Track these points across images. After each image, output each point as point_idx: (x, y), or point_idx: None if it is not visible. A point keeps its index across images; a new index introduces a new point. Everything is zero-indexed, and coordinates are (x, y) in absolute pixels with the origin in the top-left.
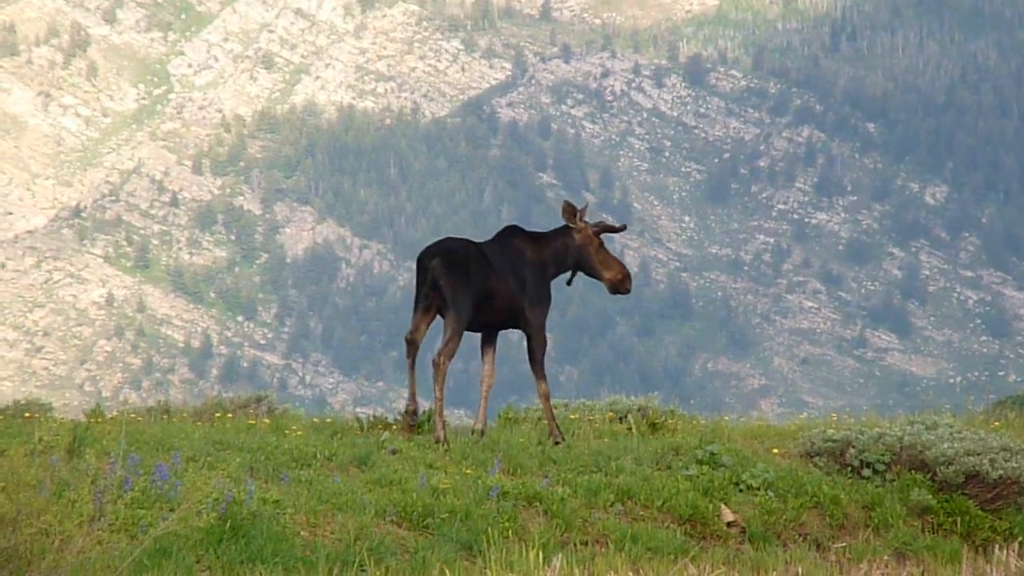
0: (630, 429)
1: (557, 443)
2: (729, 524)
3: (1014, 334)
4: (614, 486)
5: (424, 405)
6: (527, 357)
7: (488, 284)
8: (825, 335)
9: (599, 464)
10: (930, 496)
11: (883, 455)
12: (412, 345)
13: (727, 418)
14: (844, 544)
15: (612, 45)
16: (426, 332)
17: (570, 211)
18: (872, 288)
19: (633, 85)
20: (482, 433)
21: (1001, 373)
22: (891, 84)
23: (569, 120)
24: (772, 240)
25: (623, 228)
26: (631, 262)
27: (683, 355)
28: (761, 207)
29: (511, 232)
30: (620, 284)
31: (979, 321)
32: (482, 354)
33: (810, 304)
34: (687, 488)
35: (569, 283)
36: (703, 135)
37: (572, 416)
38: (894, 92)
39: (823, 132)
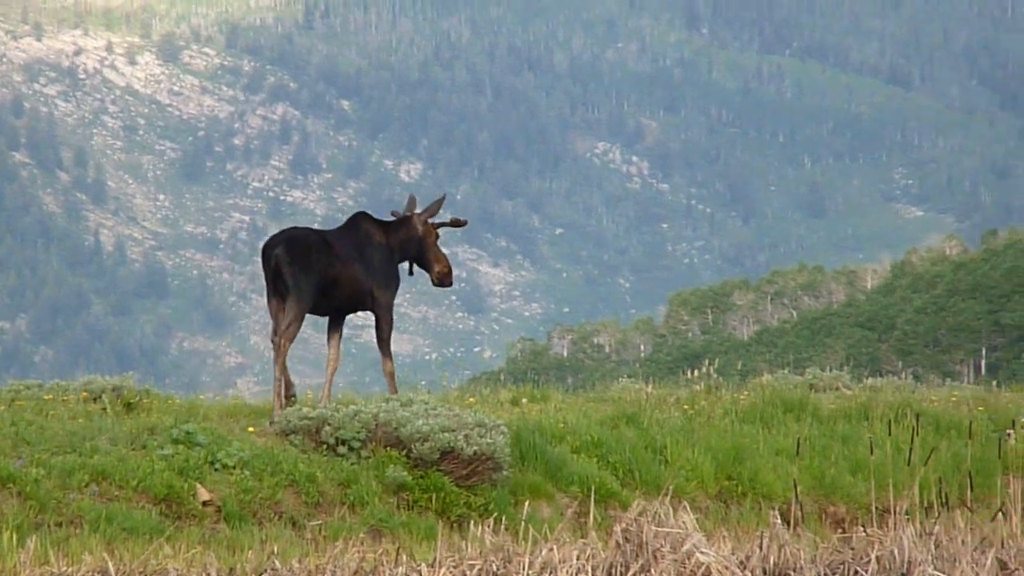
0: (105, 409)
1: None
2: (205, 503)
3: (489, 310)
4: (89, 467)
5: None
6: (375, 336)
7: (331, 271)
8: None
9: (74, 445)
10: (405, 473)
11: (358, 432)
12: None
13: (203, 397)
14: (320, 522)
15: (85, 23)
16: None
17: (413, 204)
18: None
19: (106, 63)
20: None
21: (476, 349)
22: (365, 61)
23: (42, 98)
24: (248, 218)
25: (464, 223)
26: (106, 241)
27: (159, 334)
28: (236, 185)
29: (360, 218)
30: (445, 277)
31: (454, 298)
32: (328, 339)
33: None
34: (163, 468)
35: (411, 273)
36: (177, 113)
37: (46, 397)
38: (368, 69)
39: (298, 110)
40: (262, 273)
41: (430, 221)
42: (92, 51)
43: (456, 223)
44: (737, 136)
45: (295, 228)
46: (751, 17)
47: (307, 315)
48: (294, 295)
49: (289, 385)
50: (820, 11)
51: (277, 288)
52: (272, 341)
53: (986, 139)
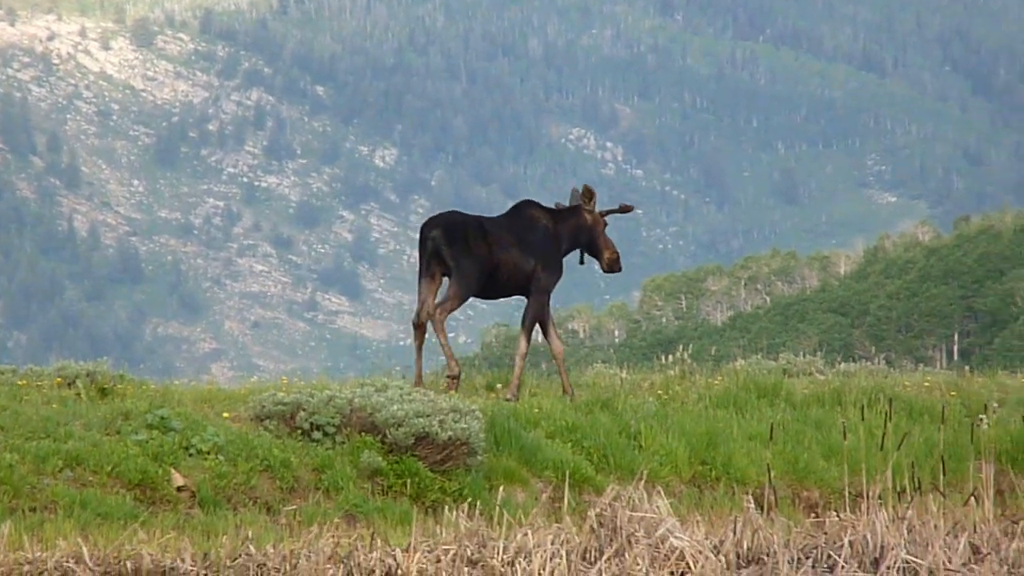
0: (79, 394)
1: (509, 400)
2: (179, 489)
3: None
4: (63, 452)
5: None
6: (522, 315)
7: (491, 256)
8: (276, 298)
9: (48, 430)
10: (380, 458)
11: (333, 418)
12: (421, 329)
13: (178, 382)
14: (295, 507)
15: (58, 8)
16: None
17: (588, 194)
18: (323, 251)
19: (80, 48)
20: (572, 396)
21: (451, 334)
22: (340, 47)
23: (15, 84)
24: (222, 204)
25: (631, 209)
26: (79, 226)
27: (133, 320)
28: (211, 171)
29: (525, 204)
30: (615, 263)
31: None
32: (543, 333)
33: (261, 268)
34: (137, 453)
35: (581, 262)
36: (151, 98)
37: (20, 382)
38: (342, 55)
39: (272, 95)
40: (241, 261)
41: (598, 209)
42: (66, 36)
43: (624, 209)
44: (711, 122)
45: (453, 212)
46: (725, 4)
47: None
48: (459, 276)
49: (453, 364)
50: None
51: (430, 270)
52: (412, 323)
53: (959, 125)
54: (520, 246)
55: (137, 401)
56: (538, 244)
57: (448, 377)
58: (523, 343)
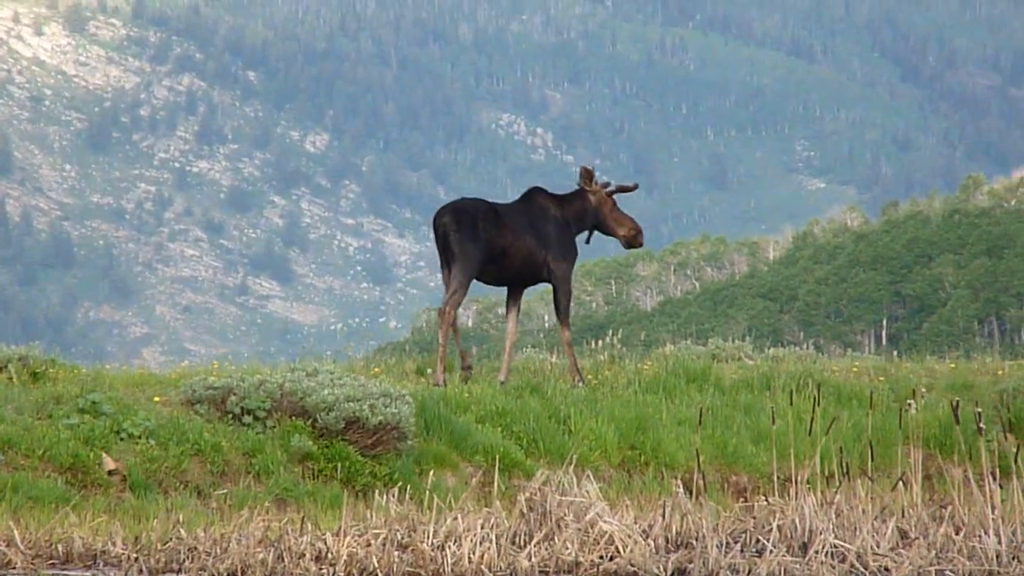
0: (11, 379)
1: (576, 387)
2: (110, 473)
3: (394, 280)
4: None
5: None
6: (554, 308)
7: (500, 241)
8: (207, 283)
9: None
10: (311, 443)
11: (264, 402)
12: (444, 317)
13: (109, 367)
14: (225, 491)
15: None
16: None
17: (587, 176)
18: (254, 236)
19: (13, 34)
20: (502, 383)
21: (382, 320)
22: (271, 32)
23: None
24: (154, 189)
25: (635, 187)
26: (12, 211)
27: (65, 304)
28: (143, 156)
29: (535, 192)
30: (634, 239)
31: (360, 268)
32: (506, 311)
33: (192, 252)
34: (68, 437)
35: (588, 241)
36: (84, 84)
37: None
38: (274, 40)
39: (204, 80)
40: (172, 246)
41: (603, 190)
42: None
43: (623, 188)
44: (641, 108)
45: (464, 199)
46: None
47: (467, 286)
48: (459, 263)
49: (465, 355)
50: None
51: (446, 257)
52: (440, 313)
53: (887, 111)
54: (533, 233)
55: (68, 385)
56: (551, 233)
57: (463, 369)
58: (566, 333)
